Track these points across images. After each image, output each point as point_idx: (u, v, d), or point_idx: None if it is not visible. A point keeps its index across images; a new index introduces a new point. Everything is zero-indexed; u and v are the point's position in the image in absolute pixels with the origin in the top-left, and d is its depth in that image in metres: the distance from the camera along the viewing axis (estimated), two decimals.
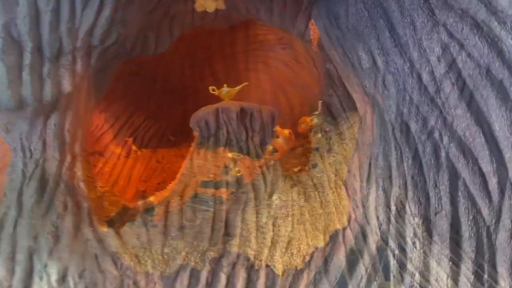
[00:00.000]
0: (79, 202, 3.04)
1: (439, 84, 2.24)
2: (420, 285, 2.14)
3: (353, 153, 2.57)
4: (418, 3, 2.29)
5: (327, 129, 2.94)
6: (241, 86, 4.39)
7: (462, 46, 2.13)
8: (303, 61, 4.12)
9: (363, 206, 2.37)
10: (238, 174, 3.62)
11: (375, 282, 2.21)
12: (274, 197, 2.86)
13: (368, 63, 2.52)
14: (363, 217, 2.36)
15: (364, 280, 2.21)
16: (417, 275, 2.15)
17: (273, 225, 2.69)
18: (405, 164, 2.29)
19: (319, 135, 2.95)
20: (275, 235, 2.62)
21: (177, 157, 4.30)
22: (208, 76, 4.71)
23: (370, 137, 2.48)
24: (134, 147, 4.02)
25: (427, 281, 2.14)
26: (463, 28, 2.13)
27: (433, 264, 2.13)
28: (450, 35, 2.16)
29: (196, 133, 4.47)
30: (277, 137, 3.63)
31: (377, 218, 2.30)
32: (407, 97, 2.35)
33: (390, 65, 2.42)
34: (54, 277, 2.67)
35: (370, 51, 2.49)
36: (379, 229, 2.28)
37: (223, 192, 3.49)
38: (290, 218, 2.64)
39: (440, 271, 2.10)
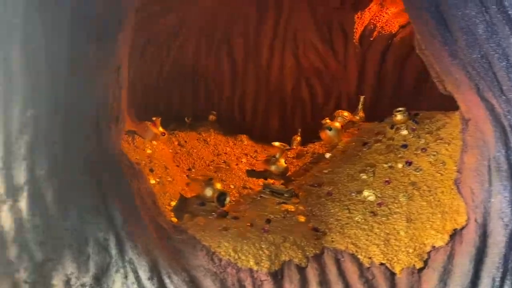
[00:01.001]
0: (146, 188, 2.70)
1: None
2: None
3: (461, 154, 2.60)
4: None
5: (414, 127, 2.95)
6: None
7: None
8: (339, 51, 4.07)
9: (484, 207, 2.42)
10: (285, 165, 3.50)
11: (507, 281, 2.28)
12: (366, 193, 2.79)
13: (484, 67, 2.54)
14: (484, 217, 2.41)
15: (497, 279, 2.26)
16: None
17: (376, 222, 2.63)
18: None
19: (405, 132, 2.94)
20: (381, 232, 2.57)
21: (199, 141, 4.01)
22: (225, 58, 4.43)
23: (484, 140, 2.53)
24: (161, 129, 3.65)
25: None
26: None
27: None
28: None
29: (213, 117, 4.24)
30: (330, 129, 3.55)
31: (502, 219, 2.36)
32: None
33: (510, 71, 2.47)
34: (144, 275, 2.33)
35: (486, 54, 2.51)
36: (505, 230, 2.34)
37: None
38: (396, 216, 2.61)
39: None
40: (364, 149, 3.08)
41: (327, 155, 3.40)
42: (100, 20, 2.37)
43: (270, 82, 4.43)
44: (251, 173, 3.56)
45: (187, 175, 3.37)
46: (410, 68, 4.05)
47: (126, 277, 2.34)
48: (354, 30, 3.97)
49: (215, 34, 4.38)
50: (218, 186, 2.91)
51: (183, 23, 4.23)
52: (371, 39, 4.00)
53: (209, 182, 2.94)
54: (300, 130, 4.16)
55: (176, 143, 3.88)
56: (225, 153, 3.92)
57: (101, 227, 2.37)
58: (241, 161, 3.84)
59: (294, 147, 4.03)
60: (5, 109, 2.01)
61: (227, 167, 3.56)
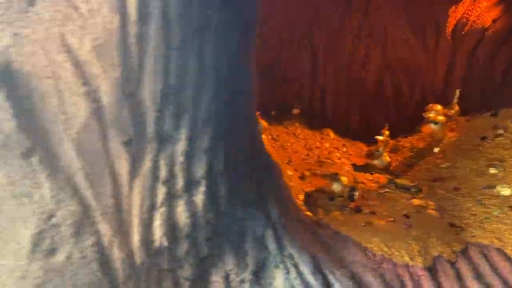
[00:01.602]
0: (285, 184, 2.68)
1: None
2: None
3: None
4: None
5: None
6: None
7: None
8: (430, 44, 4.05)
9: None
10: (389, 160, 3.50)
11: None
12: (499, 187, 2.80)
13: None
14: None
15: None
16: None
17: None
18: None
19: None
20: None
21: (288, 135, 3.99)
22: (305, 52, 4.40)
23: None
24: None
25: None
26: None
27: None
28: None
29: (297, 111, 4.21)
30: (435, 123, 3.54)
31: None
32: None
33: None
34: (307, 270, 2.31)
35: None
36: None
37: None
38: None
39: None
40: (484, 143, 3.07)
41: (436, 150, 3.38)
42: (247, 14, 2.35)
43: (352, 76, 4.40)
44: (355, 167, 3.54)
45: (295, 169, 3.34)
46: (498, 63, 4.04)
47: (288, 272, 2.32)
48: (447, 24, 3.95)
49: (297, 28, 4.34)
50: (345, 180, 2.89)
51: (265, 21, 4.19)
52: (463, 33, 3.99)
53: (335, 177, 2.91)
54: (387, 124, 4.15)
55: (270, 137, 3.85)
56: (316, 147, 3.90)
57: (260, 222, 2.35)
58: (336, 155, 3.82)
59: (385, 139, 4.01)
60: (195, 100, 1.97)
61: (331, 161, 3.54)
